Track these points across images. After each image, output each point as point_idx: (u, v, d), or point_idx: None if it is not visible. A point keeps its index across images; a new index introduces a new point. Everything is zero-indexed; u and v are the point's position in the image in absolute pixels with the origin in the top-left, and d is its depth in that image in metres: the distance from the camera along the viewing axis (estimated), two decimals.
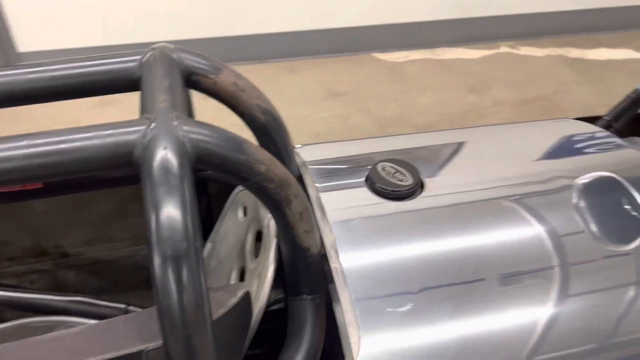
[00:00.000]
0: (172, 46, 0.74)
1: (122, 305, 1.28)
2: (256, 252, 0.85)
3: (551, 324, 0.70)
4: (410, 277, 0.73)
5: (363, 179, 0.85)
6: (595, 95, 3.04)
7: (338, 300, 0.76)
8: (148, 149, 0.56)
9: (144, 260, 1.41)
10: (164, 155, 0.55)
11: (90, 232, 1.34)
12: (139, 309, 1.30)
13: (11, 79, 0.68)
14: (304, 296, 0.75)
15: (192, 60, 0.73)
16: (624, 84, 3.10)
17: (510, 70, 3.30)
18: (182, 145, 0.56)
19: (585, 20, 3.60)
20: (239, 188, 0.93)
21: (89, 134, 0.57)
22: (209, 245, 1.00)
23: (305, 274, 0.73)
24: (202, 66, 0.73)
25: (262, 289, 0.75)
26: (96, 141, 0.56)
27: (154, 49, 0.72)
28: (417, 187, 0.83)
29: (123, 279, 1.42)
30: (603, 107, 1.18)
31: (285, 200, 0.65)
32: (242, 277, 0.89)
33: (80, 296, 1.26)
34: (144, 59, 0.70)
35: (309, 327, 0.74)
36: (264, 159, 0.62)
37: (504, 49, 3.50)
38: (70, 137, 0.56)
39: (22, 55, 2.95)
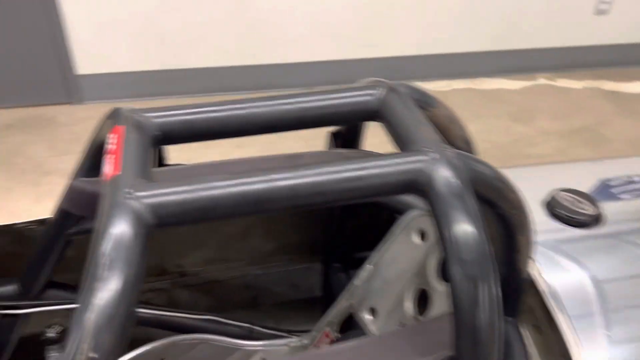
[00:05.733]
0: (392, 82, 0.80)
1: (246, 325, 1.32)
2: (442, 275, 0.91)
3: None
4: None
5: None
6: (638, 126, 3.14)
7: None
8: (434, 176, 0.62)
9: (254, 280, 1.45)
10: (452, 180, 0.61)
11: (210, 252, 1.38)
12: (261, 329, 1.34)
13: (267, 109, 0.74)
14: (508, 318, 0.81)
15: (419, 94, 0.80)
16: None
17: (552, 101, 3.40)
18: (463, 173, 0.62)
19: (618, 54, 3.73)
20: (414, 213, 0.98)
21: (383, 162, 0.63)
22: (369, 267, 1.05)
23: (518, 298, 0.80)
24: (425, 99, 0.80)
25: None
26: (389, 169, 0.62)
27: (382, 84, 0.78)
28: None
29: (233, 299, 1.46)
30: None
31: (520, 226, 0.72)
32: (422, 297, 0.94)
33: (209, 315, 1.30)
34: (382, 95, 0.76)
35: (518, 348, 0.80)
36: (512, 188, 0.69)
37: (541, 80, 3.61)
38: (367, 164, 0.63)
39: (79, 77, 3.02)
